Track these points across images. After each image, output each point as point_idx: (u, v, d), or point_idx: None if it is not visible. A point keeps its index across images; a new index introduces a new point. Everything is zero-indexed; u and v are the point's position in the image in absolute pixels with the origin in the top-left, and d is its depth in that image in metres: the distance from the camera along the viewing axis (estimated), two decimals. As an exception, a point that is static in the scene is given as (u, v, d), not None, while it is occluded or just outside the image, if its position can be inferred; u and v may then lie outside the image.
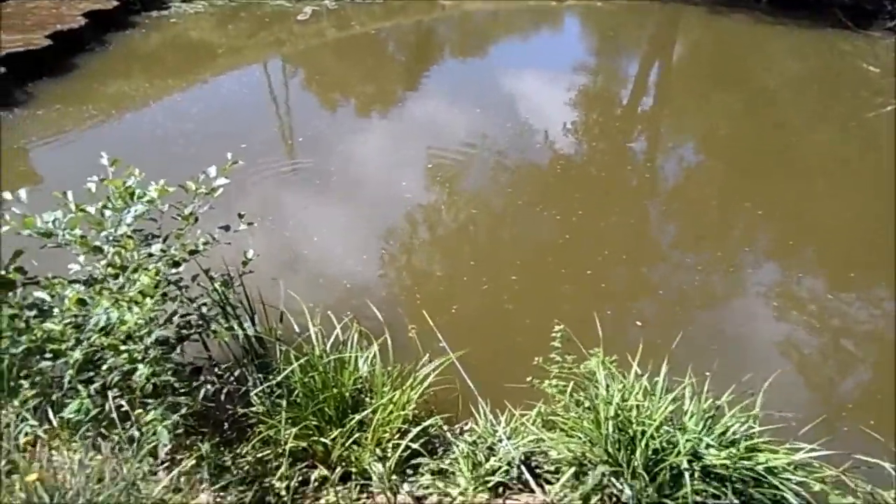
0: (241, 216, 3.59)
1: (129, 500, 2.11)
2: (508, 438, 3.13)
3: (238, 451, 3.06)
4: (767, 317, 4.98)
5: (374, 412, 3.10)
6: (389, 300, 4.79)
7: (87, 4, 9.57)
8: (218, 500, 2.57)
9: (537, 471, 3.05)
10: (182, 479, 2.57)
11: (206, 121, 7.76)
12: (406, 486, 3.00)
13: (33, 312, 3.13)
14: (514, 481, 3.06)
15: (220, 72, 9.83)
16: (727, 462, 2.67)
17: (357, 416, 3.13)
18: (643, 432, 2.80)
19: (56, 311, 3.11)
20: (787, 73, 10.72)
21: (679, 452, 2.69)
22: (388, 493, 3.01)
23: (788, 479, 2.72)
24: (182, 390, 2.96)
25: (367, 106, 8.85)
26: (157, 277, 3.20)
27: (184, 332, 3.42)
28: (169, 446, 2.67)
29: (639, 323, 4.71)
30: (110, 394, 2.97)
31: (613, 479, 2.79)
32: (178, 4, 11.31)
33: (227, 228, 3.52)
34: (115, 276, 3.26)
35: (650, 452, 2.78)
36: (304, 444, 3.07)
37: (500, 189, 6.67)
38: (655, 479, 2.72)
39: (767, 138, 8.03)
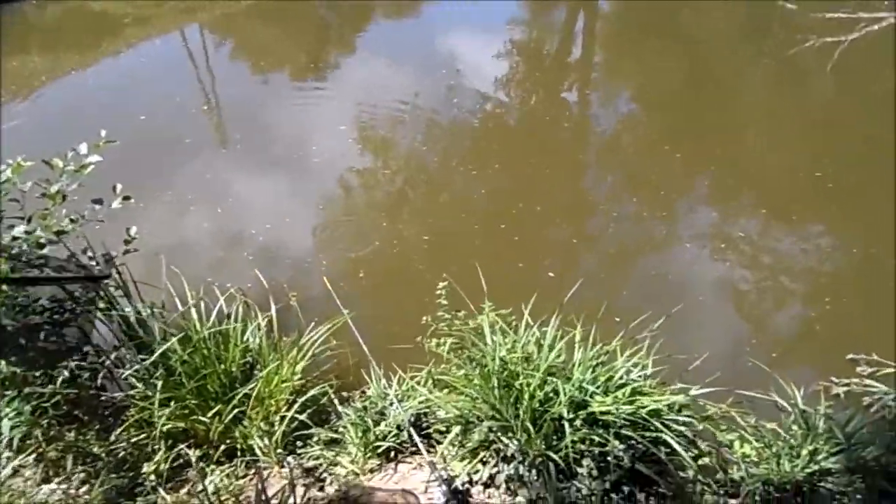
0: (115, 190, 3.35)
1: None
2: (400, 401, 3.04)
3: (112, 437, 2.91)
4: (680, 261, 4.98)
5: (254, 386, 2.97)
6: (295, 269, 4.63)
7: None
8: (71, 490, 2.41)
9: (428, 431, 2.97)
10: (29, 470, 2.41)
11: (114, 96, 7.37)
12: (291, 460, 2.89)
13: None
14: (406, 444, 2.98)
15: (127, 43, 9.32)
16: (611, 408, 2.62)
17: (242, 390, 3.00)
18: (528, 384, 2.73)
19: None
20: (709, 16, 10.67)
21: (560, 402, 2.63)
22: (277, 468, 2.91)
23: (675, 421, 2.69)
24: (43, 379, 2.78)
25: (298, 74, 8.45)
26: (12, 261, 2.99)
27: (56, 317, 3.22)
28: (7, 437, 2.49)
29: (551, 274, 4.66)
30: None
31: (500, 435, 2.72)
32: (76, -27, 10.65)
33: (99, 202, 3.29)
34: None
35: (536, 404, 2.71)
36: (182, 425, 2.92)
37: (415, 149, 6.50)
38: (542, 431, 2.66)
39: (693, 84, 7.98)
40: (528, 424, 2.67)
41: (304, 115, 7.02)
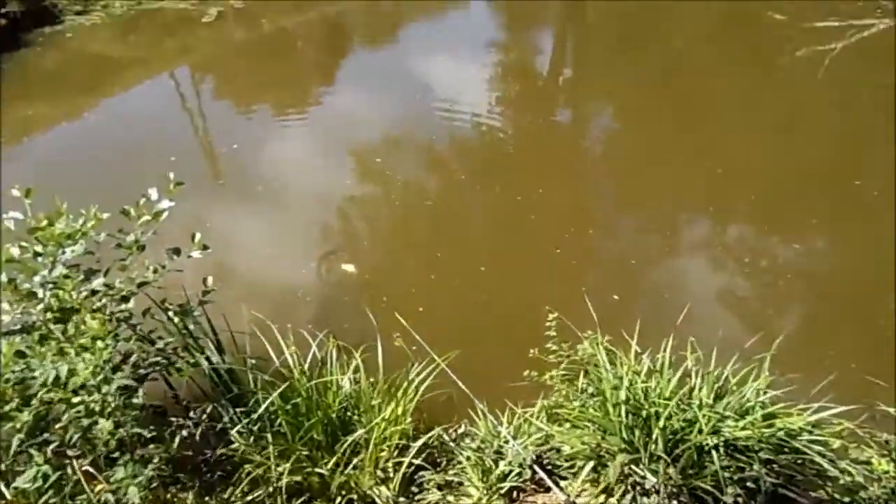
0: (193, 239, 3.21)
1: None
2: (514, 438, 2.95)
3: (225, 496, 2.78)
4: (739, 275, 4.95)
5: (368, 431, 2.86)
6: (354, 308, 4.50)
7: (-30, 27, 8.77)
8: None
9: (551, 468, 2.89)
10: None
11: (120, 139, 7.20)
12: (414, 507, 2.78)
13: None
14: (528, 483, 2.89)
15: (127, 86, 9.20)
16: (750, 433, 2.57)
17: (350, 439, 2.89)
18: (657, 413, 2.67)
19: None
20: (700, 29, 10.82)
21: (701, 430, 2.57)
22: (396, 517, 2.80)
23: (815, 441, 2.64)
24: (152, 439, 2.65)
25: (282, 109, 8.29)
26: (105, 317, 2.86)
27: (141, 371, 3.08)
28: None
29: (616, 297, 4.60)
30: (71, 453, 2.64)
31: (634, 467, 2.65)
32: (73, 18, 10.49)
33: (177, 252, 3.16)
34: (56, 321, 2.89)
35: (669, 433, 2.65)
36: (297, 478, 2.80)
37: (446, 174, 6.46)
38: (678, 461, 2.60)
39: (686, 95, 8.01)
40: (663, 455, 2.60)
41: (322, 154, 6.90)
